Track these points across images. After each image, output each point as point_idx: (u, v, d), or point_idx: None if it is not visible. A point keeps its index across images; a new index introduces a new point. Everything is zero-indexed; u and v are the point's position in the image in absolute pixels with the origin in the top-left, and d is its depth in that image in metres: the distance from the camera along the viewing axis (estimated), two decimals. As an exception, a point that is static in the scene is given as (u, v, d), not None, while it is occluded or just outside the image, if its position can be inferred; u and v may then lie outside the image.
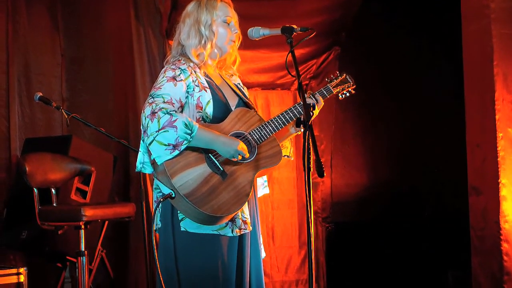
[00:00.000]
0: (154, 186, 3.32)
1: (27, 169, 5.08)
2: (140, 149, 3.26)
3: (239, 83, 3.56)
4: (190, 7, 3.41)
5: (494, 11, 4.91)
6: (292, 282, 6.57)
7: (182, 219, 3.20)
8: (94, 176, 5.58)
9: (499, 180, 4.83)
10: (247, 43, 6.03)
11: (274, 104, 6.64)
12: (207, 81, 3.34)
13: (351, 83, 3.57)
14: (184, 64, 3.30)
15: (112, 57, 6.37)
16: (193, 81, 3.27)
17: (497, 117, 4.86)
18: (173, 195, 3.09)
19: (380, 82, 6.57)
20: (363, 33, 6.50)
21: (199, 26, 3.33)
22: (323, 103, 3.47)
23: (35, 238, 5.45)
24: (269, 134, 3.32)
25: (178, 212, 3.20)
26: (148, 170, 3.26)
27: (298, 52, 3.16)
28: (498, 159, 4.85)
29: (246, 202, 3.25)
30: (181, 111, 3.23)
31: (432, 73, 6.46)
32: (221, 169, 3.18)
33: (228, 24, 3.41)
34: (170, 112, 3.07)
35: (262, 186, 3.60)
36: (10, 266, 5.27)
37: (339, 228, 6.69)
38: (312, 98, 3.45)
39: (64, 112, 4.99)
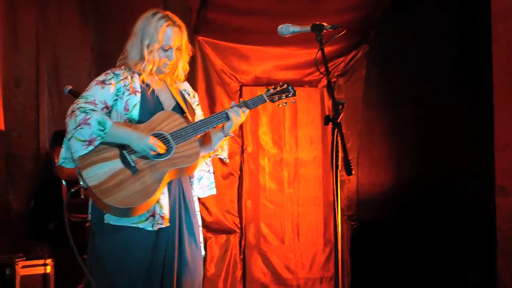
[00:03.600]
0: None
1: (56, 161, 5.14)
2: (62, 145, 3.49)
3: (185, 89, 3.76)
4: (141, 21, 3.65)
5: (524, 13, 4.88)
6: (316, 279, 6.57)
7: (105, 212, 3.41)
8: (122, 169, 5.60)
9: (527, 182, 4.81)
10: (275, 40, 6.05)
11: (302, 101, 6.64)
12: (141, 86, 3.55)
13: (291, 93, 3.76)
14: (122, 70, 3.58)
15: (140, 52, 6.41)
16: (124, 85, 3.51)
17: (525, 119, 4.84)
18: (85, 187, 3.32)
19: (408, 80, 6.54)
20: (392, 31, 6.47)
21: (142, 47, 3.57)
22: (248, 112, 3.63)
23: (62, 230, 5.50)
24: (189, 136, 3.48)
25: None
26: (69, 165, 3.48)
27: (326, 50, 3.16)
28: (526, 161, 4.83)
29: (166, 198, 3.44)
30: (108, 112, 3.47)
31: (461, 72, 6.41)
32: (132, 164, 3.36)
33: (167, 50, 3.58)
34: (86, 111, 3.35)
35: (208, 188, 3.79)
36: (37, 257, 5.33)
37: (364, 226, 6.67)
38: (235, 106, 3.61)
39: (92, 106, 5.03)
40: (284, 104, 3.74)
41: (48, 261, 5.20)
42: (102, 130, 3.31)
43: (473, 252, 5.97)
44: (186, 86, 3.78)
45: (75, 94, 5.10)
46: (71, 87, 5.13)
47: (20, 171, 6.09)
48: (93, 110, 3.36)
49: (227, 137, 3.66)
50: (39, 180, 5.99)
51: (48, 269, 5.22)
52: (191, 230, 3.58)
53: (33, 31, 6.21)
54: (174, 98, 3.64)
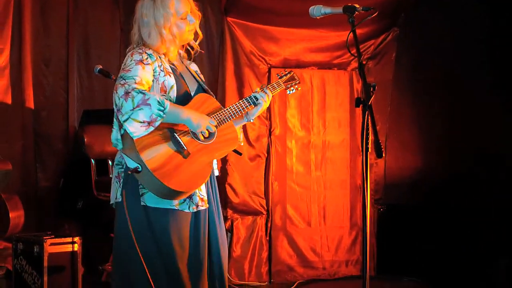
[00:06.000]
0: (115, 162, 3.50)
1: (85, 140, 5.17)
2: (113, 127, 3.42)
3: (196, 70, 3.73)
4: (144, 7, 3.51)
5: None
6: (342, 262, 6.57)
7: (142, 194, 3.37)
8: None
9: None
10: (304, 22, 6.01)
11: (330, 83, 6.61)
12: (171, 67, 3.51)
13: (297, 81, 3.82)
14: (150, 50, 3.47)
15: (170, 32, 6.41)
16: (158, 66, 3.45)
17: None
18: (140, 169, 3.26)
19: (438, 65, 6.48)
20: (422, 14, 6.41)
21: (160, 29, 3.48)
22: (271, 96, 3.67)
23: (90, 208, 5.55)
24: (227, 119, 3.51)
25: (140, 187, 3.37)
26: (119, 146, 3.42)
27: (356, 32, 3.14)
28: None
29: None
30: None
31: (492, 58, 6.34)
32: (185, 148, 3.35)
33: (184, 18, 3.52)
34: (143, 92, 3.26)
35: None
36: (65, 235, 5.38)
37: (391, 210, 6.65)
38: (261, 91, 3.64)
39: (122, 86, 5.03)
40: (292, 91, 3.81)
41: (76, 239, 5.24)
42: (162, 110, 3.24)
43: (502, 238, 5.94)
44: (195, 67, 3.75)
45: (105, 74, 5.12)
46: (101, 66, 5.13)
47: (49, 150, 6.13)
48: (147, 91, 3.32)
49: (245, 122, 3.71)
50: (69, 159, 6.03)
51: (76, 247, 5.25)
52: (218, 210, 3.62)
53: (64, 10, 6.23)
54: (195, 79, 3.63)
